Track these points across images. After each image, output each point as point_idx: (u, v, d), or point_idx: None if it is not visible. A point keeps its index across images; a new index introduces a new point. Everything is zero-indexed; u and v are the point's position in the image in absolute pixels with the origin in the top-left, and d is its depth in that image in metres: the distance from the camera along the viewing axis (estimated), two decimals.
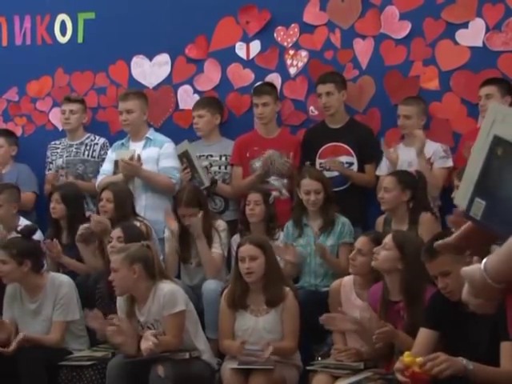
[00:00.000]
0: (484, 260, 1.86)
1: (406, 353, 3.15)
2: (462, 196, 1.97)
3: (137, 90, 5.58)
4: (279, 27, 5.62)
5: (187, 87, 5.71)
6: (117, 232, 4.48)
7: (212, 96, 5.63)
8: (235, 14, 5.69)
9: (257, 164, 5.18)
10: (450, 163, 4.99)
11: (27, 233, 4.71)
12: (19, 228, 4.84)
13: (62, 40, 6.10)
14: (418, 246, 3.84)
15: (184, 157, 5.26)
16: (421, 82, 5.28)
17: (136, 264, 4.07)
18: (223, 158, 5.36)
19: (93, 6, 6.06)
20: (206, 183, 5.16)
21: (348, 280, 4.28)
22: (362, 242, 4.24)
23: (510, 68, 5.16)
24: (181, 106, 5.73)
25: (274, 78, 5.48)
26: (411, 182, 4.70)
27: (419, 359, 3.04)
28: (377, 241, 4.16)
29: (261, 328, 4.20)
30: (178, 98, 5.75)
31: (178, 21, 5.83)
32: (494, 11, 5.17)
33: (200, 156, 5.33)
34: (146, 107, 5.44)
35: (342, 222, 4.77)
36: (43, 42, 6.17)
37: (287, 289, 4.23)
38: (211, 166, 5.29)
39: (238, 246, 4.33)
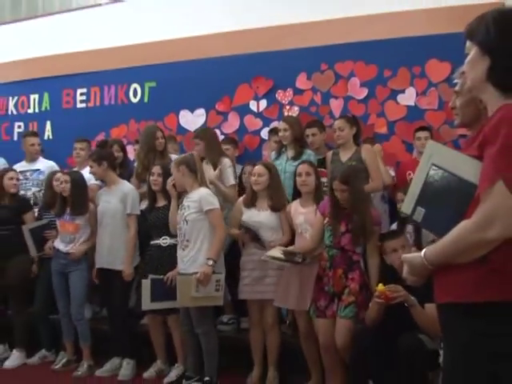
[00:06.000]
0: (423, 250, 2.02)
1: (380, 284, 3.59)
2: (407, 205, 2.08)
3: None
4: (279, 90, 6.20)
5: (217, 131, 6.00)
6: (157, 169, 4.92)
7: (233, 137, 6.23)
8: (249, 82, 6.34)
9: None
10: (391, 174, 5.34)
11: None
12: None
13: (134, 100, 6.92)
14: (359, 176, 4.21)
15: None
16: (375, 128, 5.88)
17: (181, 166, 4.54)
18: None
19: (155, 77, 6.80)
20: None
21: (294, 202, 4.63)
22: (303, 167, 4.49)
23: (433, 120, 5.72)
24: None
25: (277, 125, 5.76)
26: (355, 120, 5.10)
27: (387, 287, 3.53)
28: (311, 164, 4.51)
29: (262, 219, 4.60)
30: None
31: (211, 86, 6.44)
32: (421, 82, 5.80)
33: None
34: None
35: (308, 153, 5.14)
36: (122, 102, 6.99)
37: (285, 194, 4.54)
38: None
39: (254, 166, 4.69)
